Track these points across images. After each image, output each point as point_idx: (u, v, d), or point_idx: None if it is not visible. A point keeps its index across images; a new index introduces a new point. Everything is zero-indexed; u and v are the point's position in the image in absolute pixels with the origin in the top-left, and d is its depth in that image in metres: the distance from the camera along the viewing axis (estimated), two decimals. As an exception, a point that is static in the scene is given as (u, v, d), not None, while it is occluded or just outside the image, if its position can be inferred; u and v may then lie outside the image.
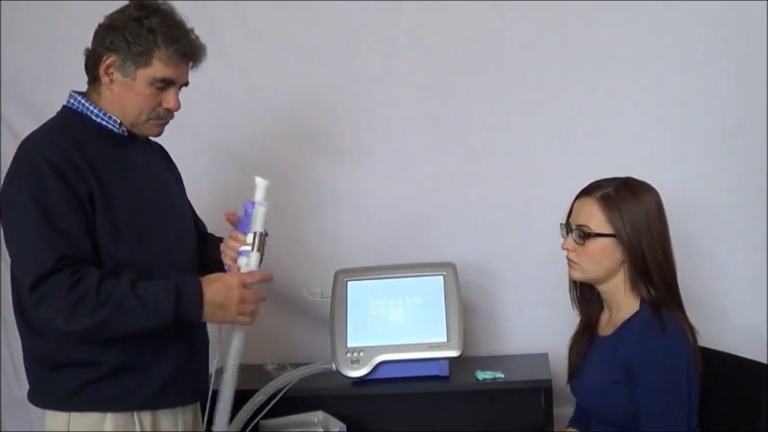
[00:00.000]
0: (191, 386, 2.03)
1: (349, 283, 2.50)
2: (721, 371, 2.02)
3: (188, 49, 1.95)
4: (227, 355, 1.97)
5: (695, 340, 1.97)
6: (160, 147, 2.17)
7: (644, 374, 1.90)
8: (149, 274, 1.88)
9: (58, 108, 2.03)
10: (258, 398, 2.28)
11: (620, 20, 2.66)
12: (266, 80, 2.86)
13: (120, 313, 1.81)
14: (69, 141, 1.89)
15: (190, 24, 1.98)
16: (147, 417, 1.95)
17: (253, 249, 1.95)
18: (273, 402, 2.29)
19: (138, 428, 1.93)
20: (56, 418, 1.92)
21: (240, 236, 1.97)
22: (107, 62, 1.92)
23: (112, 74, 1.93)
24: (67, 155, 1.86)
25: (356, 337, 2.44)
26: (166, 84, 1.94)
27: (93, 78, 1.97)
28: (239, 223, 2.00)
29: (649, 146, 2.64)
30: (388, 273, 2.53)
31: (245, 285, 1.91)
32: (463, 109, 2.76)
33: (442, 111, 2.78)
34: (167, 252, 1.99)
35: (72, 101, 1.99)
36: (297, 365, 2.43)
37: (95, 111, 1.96)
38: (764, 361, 2.09)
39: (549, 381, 2.41)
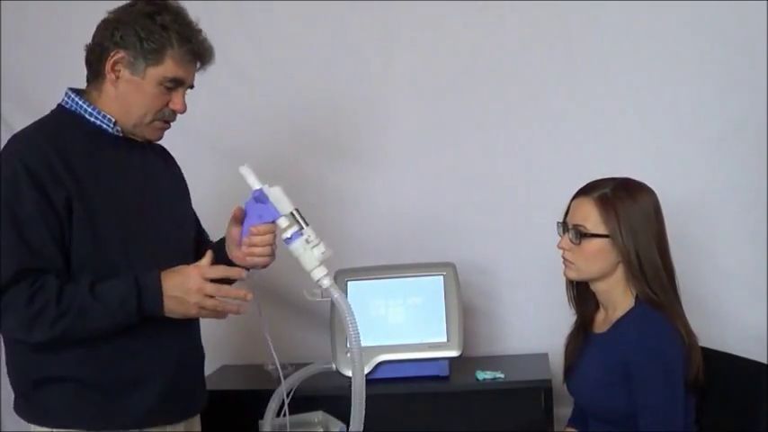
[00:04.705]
0: (181, 404, 1.95)
1: (349, 283, 2.50)
2: (721, 371, 2.02)
3: (199, 49, 1.87)
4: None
5: (690, 341, 1.96)
6: (162, 148, 2.08)
7: (640, 370, 1.90)
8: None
9: (59, 107, 2.02)
10: (272, 404, 2.26)
11: (620, 20, 2.66)
12: (267, 81, 2.86)
13: (82, 319, 1.75)
14: (54, 144, 1.81)
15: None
16: None
17: (304, 226, 1.77)
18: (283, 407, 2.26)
19: None
20: None
21: (263, 226, 1.80)
22: (115, 58, 1.82)
23: (119, 71, 1.83)
24: (47, 160, 1.78)
25: (356, 337, 2.44)
26: (176, 84, 1.86)
27: (96, 74, 1.87)
28: (247, 219, 1.83)
29: (649, 146, 2.64)
30: (388, 273, 2.53)
31: (205, 278, 1.77)
32: (463, 109, 2.77)
33: (442, 111, 2.78)
34: (154, 256, 1.87)
35: (67, 99, 1.90)
36: (297, 365, 2.43)
37: (90, 109, 1.87)
38: (764, 361, 2.10)
39: (549, 381, 2.41)
